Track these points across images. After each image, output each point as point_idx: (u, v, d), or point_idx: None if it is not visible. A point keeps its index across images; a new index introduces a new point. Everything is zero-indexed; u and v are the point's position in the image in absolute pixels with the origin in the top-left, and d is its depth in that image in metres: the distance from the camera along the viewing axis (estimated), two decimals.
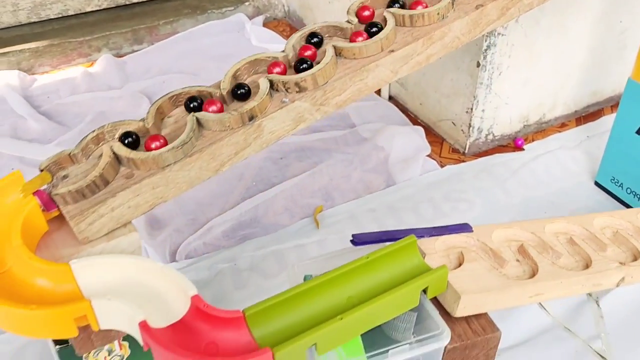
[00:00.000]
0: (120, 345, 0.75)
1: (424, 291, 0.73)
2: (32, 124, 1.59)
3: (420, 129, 1.55)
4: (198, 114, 0.71)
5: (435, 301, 0.76)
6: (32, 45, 1.80)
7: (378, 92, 1.72)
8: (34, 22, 1.90)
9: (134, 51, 1.94)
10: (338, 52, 0.77)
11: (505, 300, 0.76)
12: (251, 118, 0.72)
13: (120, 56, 1.91)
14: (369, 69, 0.76)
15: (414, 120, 1.62)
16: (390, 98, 1.71)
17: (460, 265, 0.79)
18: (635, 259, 0.87)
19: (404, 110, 1.65)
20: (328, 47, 0.77)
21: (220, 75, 0.80)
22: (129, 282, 0.64)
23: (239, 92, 0.74)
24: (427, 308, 0.73)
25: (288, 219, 1.33)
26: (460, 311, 0.74)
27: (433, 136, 1.57)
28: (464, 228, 0.84)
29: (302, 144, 1.53)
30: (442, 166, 1.46)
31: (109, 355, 0.76)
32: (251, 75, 0.79)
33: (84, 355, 0.74)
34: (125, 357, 0.77)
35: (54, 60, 1.84)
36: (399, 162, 1.46)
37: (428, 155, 1.49)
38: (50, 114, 1.65)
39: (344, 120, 1.62)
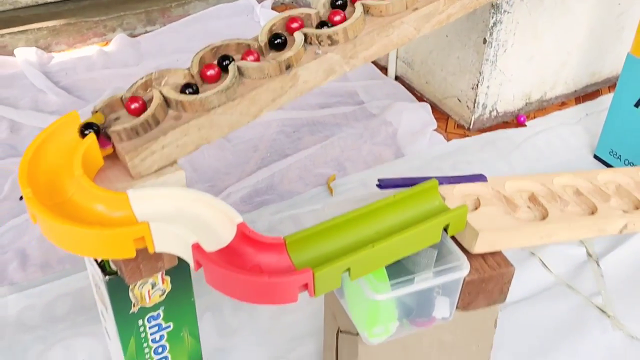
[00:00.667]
0: (163, 279, 0.81)
1: (445, 230, 0.79)
2: (52, 97, 1.64)
3: (427, 105, 1.61)
4: (239, 63, 0.77)
5: (454, 240, 0.82)
6: (50, 24, 1.85)
7: (385, 71, 1.78)
8: (50, 2, 1.95)
9: (147, 32, 2.00)
10: (366, 10, 0.83)
11: (518, 239, 0.82)
12: (288, 67, 0.78)
13: (134, 36, 1.97)
14: (395, 25, 0.83)
15: (420, 98, 1.68)
16: (397, 78, 1.77)
17: (476, 209, 0.86)
18: (637, 209, 0.93)
19: (410, 89, 1.72)
20: (357, 5, 0.83)
21: None
22: (180, 210, 0.69)
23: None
24: (448, 245, 0.79)
25: (302, 186, 1.39)
26: (477, 247, 0.80)
27: (438, 113, 1.63)
28: (479, 178, 0.90)
29: (313, 119, 1.59)
30: (448, 140, 1.53)
31: (152, 288, 0.81)
32: (284, 31, 0.84)
33: (130, 287, 0.79)
34: (167, 291, 0.83)
35: (70, 39, 1.89)
36: (407, 135, 1.52)
37: (434, 130, 1.55)
38: (69, 88, 1.70)
39: (352, 98, 1.68)
